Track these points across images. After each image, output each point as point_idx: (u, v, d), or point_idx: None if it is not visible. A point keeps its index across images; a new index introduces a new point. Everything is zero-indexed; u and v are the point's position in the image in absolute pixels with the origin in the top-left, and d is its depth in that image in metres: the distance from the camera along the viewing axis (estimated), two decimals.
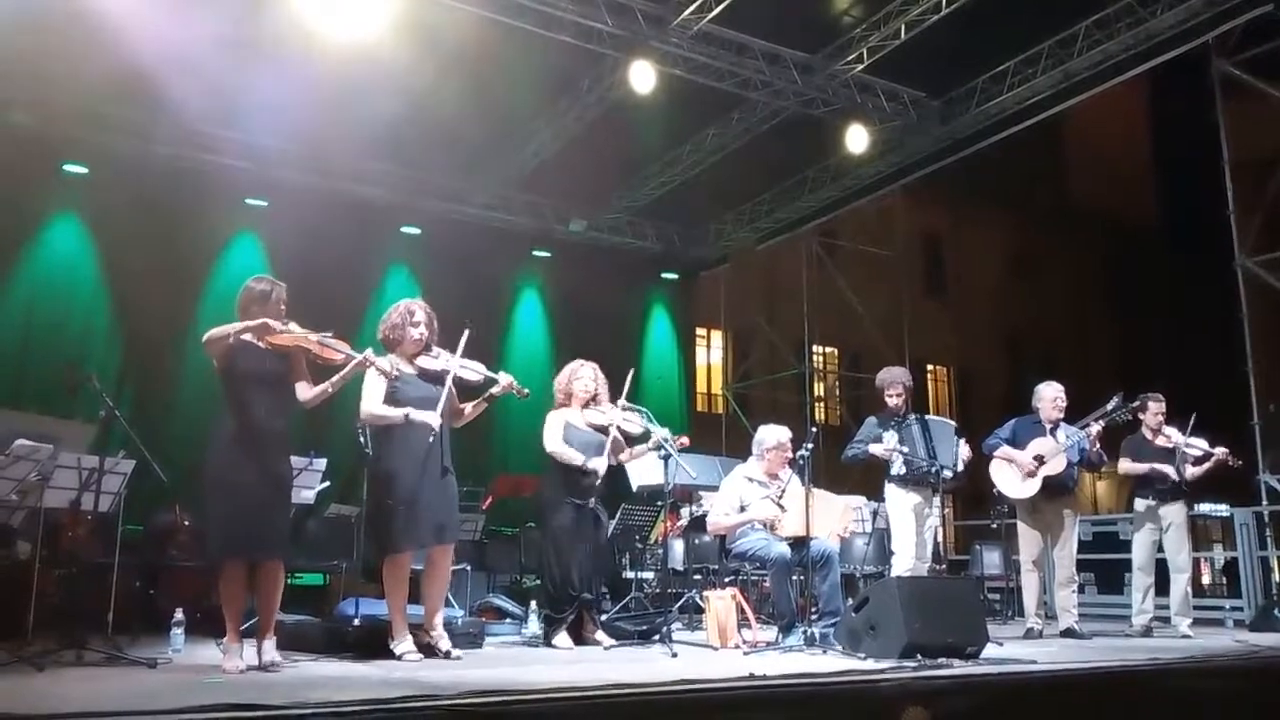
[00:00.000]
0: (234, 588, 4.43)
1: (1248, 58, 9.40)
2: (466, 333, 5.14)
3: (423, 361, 5.09)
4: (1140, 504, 7.35)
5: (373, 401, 4.94)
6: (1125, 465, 7.37)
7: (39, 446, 5.21)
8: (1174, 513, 7.22)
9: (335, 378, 4.60)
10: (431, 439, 4.90)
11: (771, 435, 6.39)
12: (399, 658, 4.80)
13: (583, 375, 6.09)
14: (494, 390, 5.24)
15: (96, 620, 5.52)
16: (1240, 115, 9.99)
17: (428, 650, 4.93)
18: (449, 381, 5.02)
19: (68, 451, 5.52)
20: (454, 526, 5.21)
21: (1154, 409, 7.32)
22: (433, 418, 4.88)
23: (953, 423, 6.81)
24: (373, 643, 5.05)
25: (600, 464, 5.84)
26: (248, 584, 4.51)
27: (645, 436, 6.06)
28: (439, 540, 5.03)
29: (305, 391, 4.62)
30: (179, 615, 5.12)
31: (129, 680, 4.00)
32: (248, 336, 4.47)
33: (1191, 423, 7.30)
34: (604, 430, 5.95)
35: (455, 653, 4.98)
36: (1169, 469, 7.17)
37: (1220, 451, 7.22)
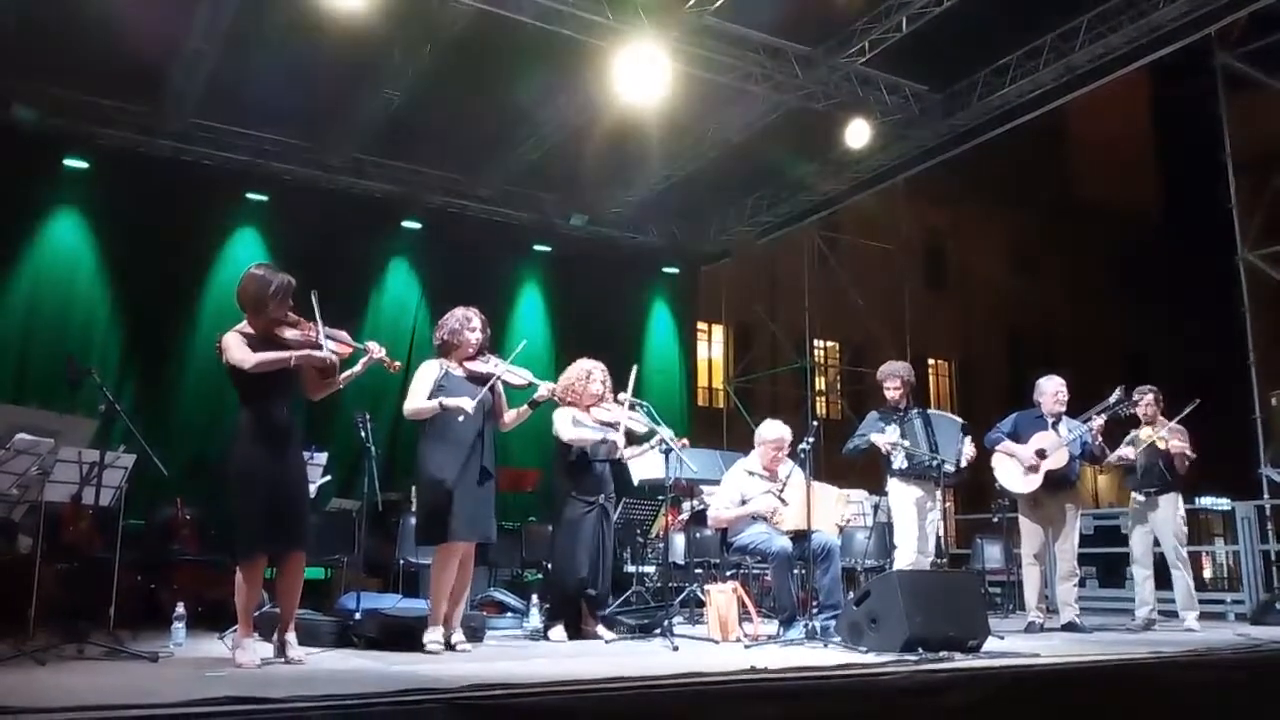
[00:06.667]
0: (255, 581, 4.45)
1: (1251, 50, 9.39)
2: (523, 343, 5.47)
3: (472, 365, 5.23)
4: (1135, 498, 7.33)
5: (415, 399, 5.11)
6: (1110, 456, 7.33)
7: (40, 441, 5.21)
8: (1166, 505, 7.18)
9: (347, 373, 4.65)
10: (469, 428, 5.03)
11: (767, 430, 6.43)
12: (424, 646, 4.89)
13: (594, 378, 6.17)
14: (536, 397, 5.40)
15: (98, 614, 5.52)
16: (1243, 108, 9.98)
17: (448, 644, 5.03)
18: (491, 381, 5.17)
19: (69, 446, 5.52)
20: (492, 528, 5.29)
21: (1144, 402, 7.26)
22: (466, 403, 4.99)
23: (959, 420, 6.78)
24: (374, 636, 5.07)
25: (616, 437, 5.95)
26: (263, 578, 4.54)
27: (650, 435, 6.16)
28: (479, 537, 5.19)
29: (315, 386, 4.67)
30: (180, 609, 5.12)
31: (130, 674, 4.00)
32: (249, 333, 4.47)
33: (1186, 411, 7.14)
34: (612, 427, 6.04)
35: (464, 645, 5.08)
36: (1135, 454, 7.12)
37: (1174, 445, 7.05)
